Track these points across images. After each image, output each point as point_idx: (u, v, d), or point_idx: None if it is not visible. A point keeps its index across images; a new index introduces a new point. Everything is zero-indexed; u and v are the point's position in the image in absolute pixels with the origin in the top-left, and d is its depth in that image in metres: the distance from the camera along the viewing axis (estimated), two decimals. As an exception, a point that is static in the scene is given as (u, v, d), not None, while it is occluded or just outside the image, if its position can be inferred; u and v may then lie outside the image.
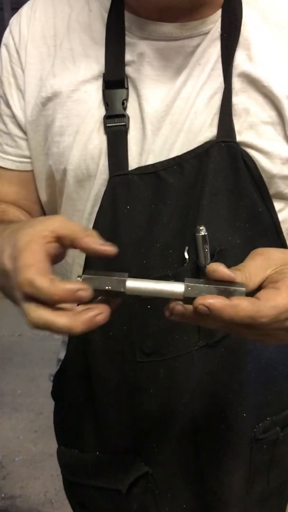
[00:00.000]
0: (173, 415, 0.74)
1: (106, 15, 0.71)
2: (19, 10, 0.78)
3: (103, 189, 0.70)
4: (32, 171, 0.79)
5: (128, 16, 0.70)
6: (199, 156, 0.68)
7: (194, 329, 0.71)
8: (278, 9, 0.70)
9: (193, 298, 0.51)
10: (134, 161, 0.70)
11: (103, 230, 0.70)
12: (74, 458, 0.82)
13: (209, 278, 0.52)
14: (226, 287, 0.51)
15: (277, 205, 0.72)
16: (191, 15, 0.68)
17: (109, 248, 0.52)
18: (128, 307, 0.70)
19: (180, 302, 0.52)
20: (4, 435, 2.31)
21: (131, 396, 0.74)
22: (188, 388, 0.73)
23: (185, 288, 0.52)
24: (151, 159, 0.69)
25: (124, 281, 0.52)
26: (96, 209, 0.71)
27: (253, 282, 0.53)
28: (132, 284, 0.52)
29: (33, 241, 0.52)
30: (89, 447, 0.80)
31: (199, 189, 0.68)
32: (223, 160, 0.68)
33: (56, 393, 0.85)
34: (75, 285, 0.49)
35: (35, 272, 0.49)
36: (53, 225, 0.53)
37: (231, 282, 0.51)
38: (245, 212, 0.70)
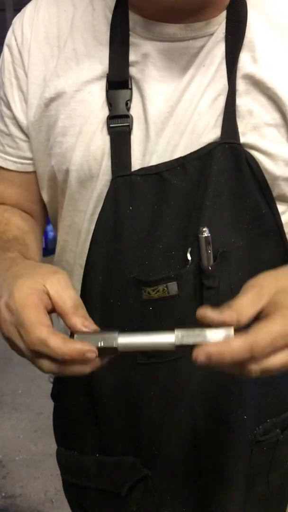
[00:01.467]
0: (173, 418, 0.74)
1: (110, 15, 0.71)
2: (22, 10, 0.78)
3: (106, 189, 0.70)
4: (34, 172, 0.79)
5: (132, 17, 0.70)
6: (202, 157, 0.68)
7: None
8: (283, 11, 0.70)
9: (185, 347, 0.53)
10: (137, 162, 0.69)
11: (105, 231, 0.70)
12: (73, 460, 0.82)
13: (200, 322, 0.54)
14: (213, 331, 0.53)
15: (280, 207, 0.72)
16: (195, 16, 0.68)
17: (92, 327, 0.55)
18: (129, 308, 0.70)
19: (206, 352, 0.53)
20: (4, 435, 2.31)
21: (130, 398, 0.74)
22: (188, 390, 0.73)
23: (175, 338, 0.53)
24: (154, 160, 0.69)
25: (116, 338, 0.54)
26: (99, 209, 0.70)
27: (245, 316, 0.54)
28: (124, 340, 0.54)
29: (32, 294, 0.55)
30: (89, 449, 0.80)
31: (202, 190, 0.68)
32: (227, 162, 0.68)
33: (55, 395, 0.85)
34: (84, 346, 0.53)
35: (47, 332, 0.53)
36: (51, 287, 0.56)
37: (220, 327, 0.53)
38: (248, 214, 0.70)
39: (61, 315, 0.57)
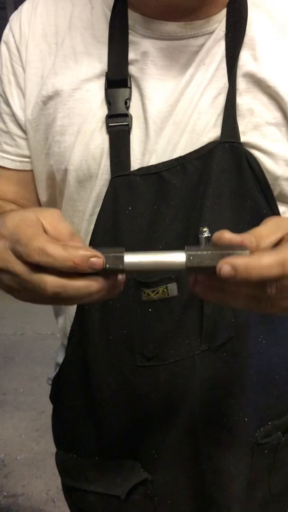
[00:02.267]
0: (173, 420, 0.73)
1: (109, 13, 0.70)
2: (20, 7, 0.77)
3: (105, 189, 0.69)
4: (31, 170, 0.78)
5: (131, 15, 0.69)
6: (202, 156, 0.67)
7: (196, 332, 0.70)
8: (284, 9, 0.69)
9: (196, 268, 0.48)
10: (136, 162, 0.69)
11: (104, 231, 0.69)
12: (72, 462, 0.81)
13: (215, 245, 0.50)
14: (230, 252, 0.48)
15: (281, 207, 0.71)
16: (195, 14, 0.67)
17: (95, 254, 0.50)
18: (128, 310, 0.69)
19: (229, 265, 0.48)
20: (6, 434, 2.31)
21: (130, 401, 0.74)
22: (189, 393, 0.72)
23: (186, 257, 0.49)
24: (153, 160, 0.68)
25: (122, 257, 0.49)
26: (98, 210, 0.70)
27: (265, 242, 0.50)
28: (130, 259, 0.49)
29: (25, 220, 0.51)
30: (88, 452, 0.79)
31: (202, 190, 0.67)
32: (227, 161, 0.67)
33: (54, 397, 0.84)
34: (89, 251, 0.48)
35: (44, 240, 0.48)
36: (46, 218, 0.52)
37: (235, 248, 0.49)
38: (248, 214, 0.69)
39: None
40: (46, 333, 3.18)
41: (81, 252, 0.48)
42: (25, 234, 0.50)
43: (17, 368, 2.82)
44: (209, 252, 0.49)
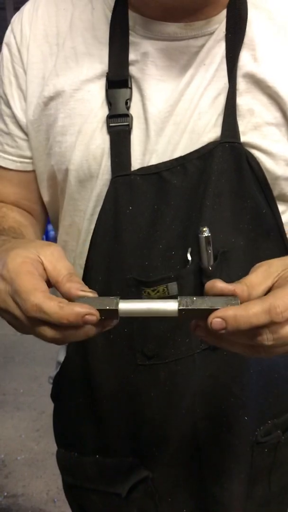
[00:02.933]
0: (173, 419, 0.73)
1: (109, 14, 0.71)
2: (21, 9, 0.77)
3: (105, 189, 0.69)
4: (33, 171, 0.78)
5: (132, 15, 0.69)
6: (202, 156, 0.68)
7: None
8: (284, 9, 0.70)
9: (189, 313, 0.51)
10: (137, 162, 0.69)
11: (105, 231, 0.69)
12: (73, 461, 0.82)
13: (208, 294, 0.52)
14: (220, 299, 0.51)
15: (281, 206, 0.71)
16: (195, 15, 0.67)
17: (90, 294, 0.53)
18: None
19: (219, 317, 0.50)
20: (6, 434, 2.31)
21: (131, 399, 0.74)
22: (189, 391, 0.72)
23: (179, 303, 0.51)
24: (154, 160, 0.69)
25: (117, 311, 0.52)
26: (98, 209, 0.70)
27: (257, 291, 0.52)
28: (125, 310, 0.52)
29: (26, 262, 0.53)
30: (89, 450, 0.80)
31: (202, 190, 0.68)
32: (227, 161, 0.67)
33: (55, 395, 0.84)
34: (84, 308, 0.50)
35: (41, 297, 0.50)
36: (46, 257, 0.55)
37: (227, 297, 0.51)
38: (248, 214, 0.69)
39: (55, 284, 0.54)
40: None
41: (76, 310, 0.50)
42: (24, 287, 0.51)
43: (17, 368, 2.81)
44: (200, 303, 0.51)
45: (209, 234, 0.67)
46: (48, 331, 0.52)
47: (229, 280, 0.68)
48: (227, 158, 0.67)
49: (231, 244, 0.69)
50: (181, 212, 0.69)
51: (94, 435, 0.79)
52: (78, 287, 0.53)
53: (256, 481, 0.79)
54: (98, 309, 0.51)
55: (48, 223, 0.87)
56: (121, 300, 0.52)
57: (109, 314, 0.52)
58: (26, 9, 0.76)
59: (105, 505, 0.80)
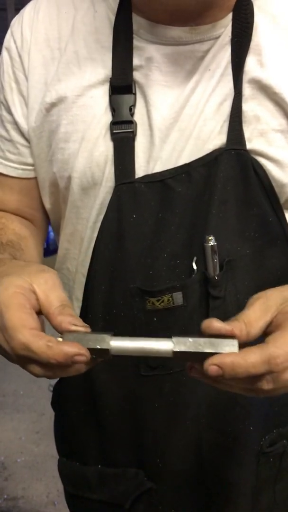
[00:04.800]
0: (178, 430, 0.73)
1: (112, 17, 0.69)
2: (21, 12, 0.76)
3: (109, 197, 0.68)
4: (34, 178, 0.77)
5: (136, 19, 0.68)
6: (208, 164, 0.67)
7: None
8: None
9: (184, 356, 0.49)
10: (141, 169, 0.68)
11: (108, 239, 0.68)
12: (75, 470, 0.81)
13: (204, 333, 0.50)
14: (217, 341, 0.49)
15: None
16: (201, 18, 0.66)
17: (81, 329, 0.51)
18: (133, 319, 0.68)
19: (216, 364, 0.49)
20: (6, 436, 2.30)
21: (134, 410, 0.73)
22: (194, 402, 0.71)
23: (174, 344, 0.50)
24: (158, 167, 0.68)
25: (109, 341, 0.50)
26: (102, 217, 0.69)
27: (255, 328, 0.51)
28: (116, 349, 0.50)
29: (18, 293, 0.52)
30: (91, 460, 0.79)
31: (207, 198, 0.67)
32: (233, 168, 0.66)
33: (56, 404, 0.83)
34: (73, 348, 0.49)
35: (29, 335, 0.49)
36: (39, 285, 0.53)
37: (224, 339, 0.49)
38: (254, 222, 0.68)
39: (46, 316, 0.53)
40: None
41: (65, 351, 0.48)
42: (12, 322, 0.50)
43: (17, 370, 2.79)
44: (196, 346, 0.49)
45: (215, 243, 0.66)
46: (36, 369, 0.51)
47: (234, 289, 0.68)
48: (233, 166, 0.66)
49: (237, 252, 0.68)
50: (186, 220, 0.68)
51: (96, 444, 0.78)
52: (69, 321, 0.51)
53: (261, 491, 0.78)
54: (88, 348, 0.49)
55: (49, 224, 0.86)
56: (113, 338, 0.50)
57: (100, 353, 0.50)
58: (26, 12, 0.75)
59: None
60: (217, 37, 0.67)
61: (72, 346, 0.49)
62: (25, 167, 0.76)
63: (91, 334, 0.51)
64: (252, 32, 0.67)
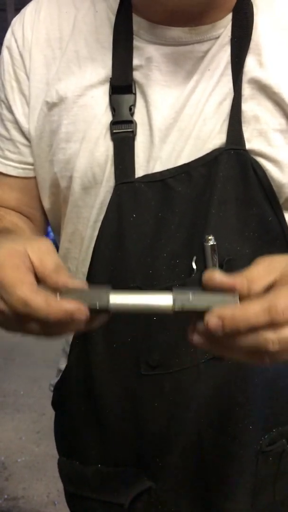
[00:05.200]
0: (177, 429, 0.73)
1: (113, 17, 0.70)
2: (22, 11, 0.76)
3: (109, 196, 0.68)
4: (34, 177, 0.77)
5: (136, 19, 0.68)
6: (207, 163, 0.67)
7: None
8: None
9: (183, 312, 0.49)
10: (141, 169, 0.68)
11: (108, 239, 0.69)
12: (75, 470, 0.81)
13: (206, 287, 0.49)
14: (217, 297, 0.48)
15: (287, 214, 0.70)
16: (201, 19, 0.66)
17: (77, 284, 0.51)
18: (133, 318, 0.69)
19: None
20: (6, 436, 2.30)
21: (134, 409, 0.73)
22: (193, 401, 0.72)
23: (174, 301, 0.49)
24: (158, 167, 0.68)
25: (107, 298, 0.49)
26: (102, 216, 0.69)
27: (257, 285, 0.50)
28: (116, 299, 0.49)
29: (13, 255, 0.51)
30: (91, 460, 0.79)
31: (207, 198, 0.67)
32: (232, 168, 0.67)
33: (56, 404, 0.84)
34: (72, 305, 0.48)
35: (27, 291, 0.49)
36: (32, 252, 0.52)
37: (225, 294, 0.48)
38: (254, 221, 0.68)
39: (42, 278, 0.52)
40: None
41: (64, 307, 0.48)
42: (9, 279, 0.49)
43: (17, 370, 2.81)
44: (197, 301, 0.48)
45: (215, 243, 0.66)
46: (34, 327, 0.50)
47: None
48: (233, 165, 0.67)
49: (237, 252, 0.68)
50: (186, 220, 0.68)
51: (97, 444, 0.78)
52: (66, 279, 0.51)
53: (261, 490, 0.78)
54: (88, 307, 0.48)
55: (48, 225, 0.86)
56: (112, 292, 0.49)
57: (99, 311, 0.49)
58: (27, 11, 0.75)
59: None
60: (217, 37, 0.67)
61: (71, 302, 0.48)
62: (25, 166, 0.76)
63: (90, 291, 0.50)
64: (252, 32, 0.67)
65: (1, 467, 2.13)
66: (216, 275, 0.49)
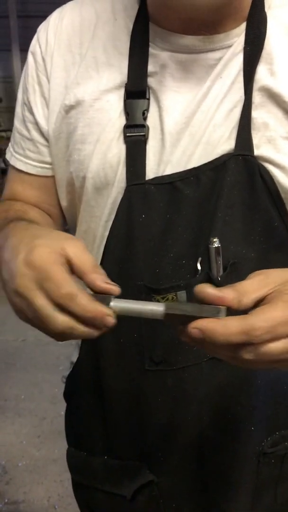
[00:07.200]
0: (179, 425, 0.74)
1: (131, 26, 0.72)
2: (47, 18, 0.80)
3: (120, 197, 0.71)
4: (53, 176, 0.80)
5: (152, 28, 0.71)
6: (216, 168, 0.69)
7: None
8: None
9: (174, 318, 0.52)
10: (151, 171, 0.70)
11: (118, 238, 0.71)
12: (82, 460, 0.83)
13: (196, 299, 0.52)
14: (206, 307, 0.51)
15: None
16: (214, 28, 0.68)
17: (113, 287, 0.54)
18: None
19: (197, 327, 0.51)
20: (7, 440, 2.31)
21: (138, 403, 0.75)
22: (195, 399, 0.73)
23: (165, 306, 0.53)
24: (168, 170, 0.70)
25: (109, 302, 0.54)
26: (113, 216, 0.71)
27: (248, 299, 0.51)
28: (116, 304, 0.54)
29: (54, 253, 0.54)
30: (98, 451, 0.80)
31: (214, 201, 0.69)
32: (240, 173, 0.68)
33: (68, 395, 0.86)
34: (107, 310, 0.52)
35: (76, 287, 0.52)
36: (70, 249, 0.55)
37: (215, 307, 0.51)
38: (260, 226, 0.70)
39: (79, 275, 0.55)
40: (48, 340, 3.14)
41: (100, 309, 0.52)
42: (58, 274, 0.53)
43: (18, 374, 2.81)
44: (187, 305, 0.53)
45: (219, 245, 0.67)
46: (62, 319, 0.52)
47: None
48: (240, 171, 0.68)
49: (242, 255, 0.70)
50: (193, 222, 0.70)
51: (103, 436, 0.80)
52: (103, 279, 0.54)
53: (262, 491, 0.79)
54: None
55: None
56: (113, 300, 0.54)
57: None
58: (52, 19, 0.79)
59: (111, 506, 0.81)
60: (230, 46, 0.69)
61: (106, 307, 0.53)
62: (44, 166, 0.80)
63: (97, 296, 0.54)
64: (264, 41, 0.69)
65: (1, 471, 2.13)
66: (206, 289, 0.51)
